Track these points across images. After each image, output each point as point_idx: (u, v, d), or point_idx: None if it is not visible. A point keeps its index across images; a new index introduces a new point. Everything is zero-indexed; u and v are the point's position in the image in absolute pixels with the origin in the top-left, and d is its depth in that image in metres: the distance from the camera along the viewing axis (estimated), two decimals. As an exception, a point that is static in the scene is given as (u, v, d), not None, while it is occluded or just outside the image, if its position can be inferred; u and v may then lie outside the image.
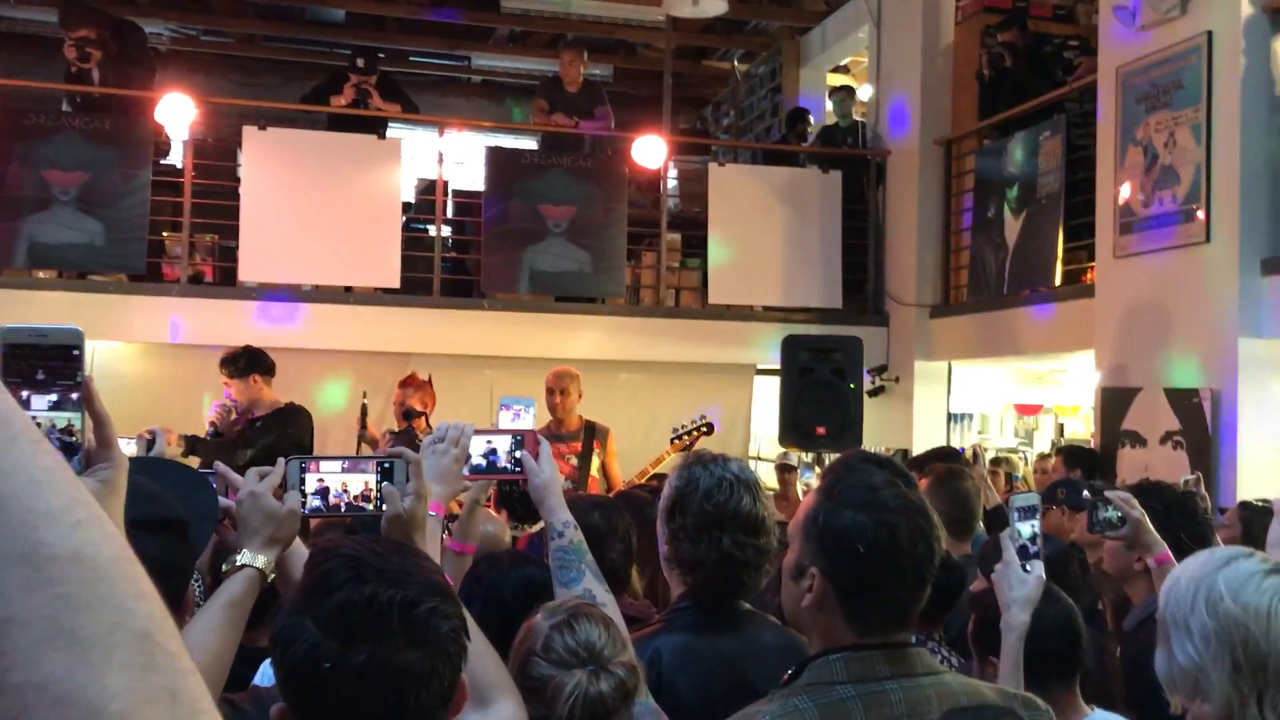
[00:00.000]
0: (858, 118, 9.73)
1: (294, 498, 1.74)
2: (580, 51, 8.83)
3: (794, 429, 6.20)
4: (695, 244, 8.82)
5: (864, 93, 10.20)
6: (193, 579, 1.96)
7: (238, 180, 8.02)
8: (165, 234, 7.71)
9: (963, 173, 8.47)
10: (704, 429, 5.94)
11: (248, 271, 7.63)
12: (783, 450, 9.32)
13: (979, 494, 3.93)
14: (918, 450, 8.13)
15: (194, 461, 5.64)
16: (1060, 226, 7.10)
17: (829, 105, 10.27)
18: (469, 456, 2.17)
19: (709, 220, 8.55)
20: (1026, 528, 2.33)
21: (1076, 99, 7.27)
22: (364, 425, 6.02)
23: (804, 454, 6.29)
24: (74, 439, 1.37)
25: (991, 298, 7.77)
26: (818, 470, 5.97)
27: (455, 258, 8.59)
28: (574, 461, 5.89)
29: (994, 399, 10.14)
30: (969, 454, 5.07)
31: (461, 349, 7.80)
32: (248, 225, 7.62)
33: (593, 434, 6.02)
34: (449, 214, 8.71)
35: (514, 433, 2.25)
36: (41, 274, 7.47)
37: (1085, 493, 3.38)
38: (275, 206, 7.70)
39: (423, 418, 5.65)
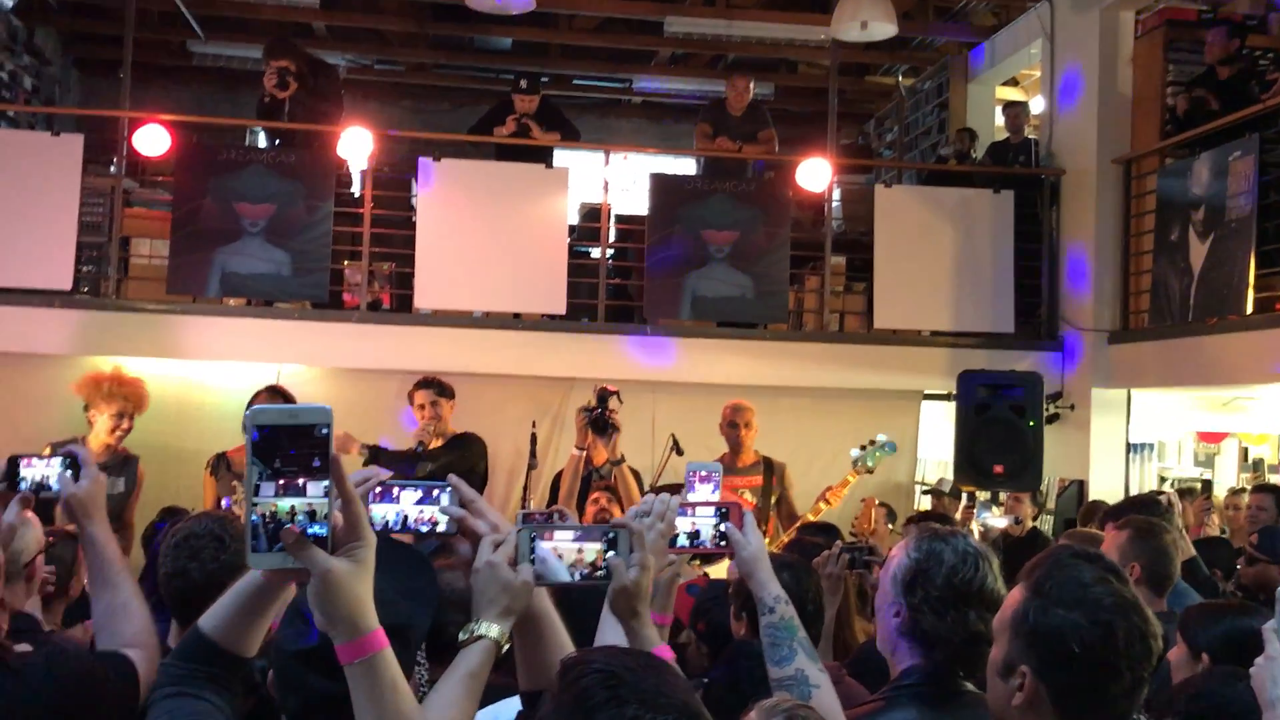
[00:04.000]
0: (1029, 135, 9.42)
1: (527, 569, 1.75)
2: (748, 79, 8.80)
3: (970, 466, 6.01)
4: (860, 267, 8.68)
5: (1035, 106, 9.89)
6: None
7: (412, 210, 8.29)
8: (345, 263, 8.00)
9: (1143, 193, 8.11)
10: (886, 449, 5.66)
11: (423, 298, 7.87)
12: (940, 477, 9.09)
13: (1178, 548, 3.76)
14: (1094, 479, 7.88)
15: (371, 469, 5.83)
16: (1252, 251, 6.74)
17: (999, 120, 9.96)
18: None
19: (875, 243, 8.40)
20: None
21: (1271, 116, 6.89)
22: (533, 454, 6.12)
23: (981, 492, 6.06)
24: (324, 523, 1.36)
25: (1176, 324, 7.41)
26: (995, 510, 5.78)
27: (618, 284, 8.67)
28: (749, 497, 5.85)
29: (1175, 426, 9.68)
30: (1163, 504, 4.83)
31: (624, 374, 7.87)
32: (423, 254, 7.87)
33: (771, 469, 5.98)
34: (611, 238, 8.80)
35: (718, 505, 2.21)
36: (231, 302, 7.86)
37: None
38: (448, 235, 7.91)
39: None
